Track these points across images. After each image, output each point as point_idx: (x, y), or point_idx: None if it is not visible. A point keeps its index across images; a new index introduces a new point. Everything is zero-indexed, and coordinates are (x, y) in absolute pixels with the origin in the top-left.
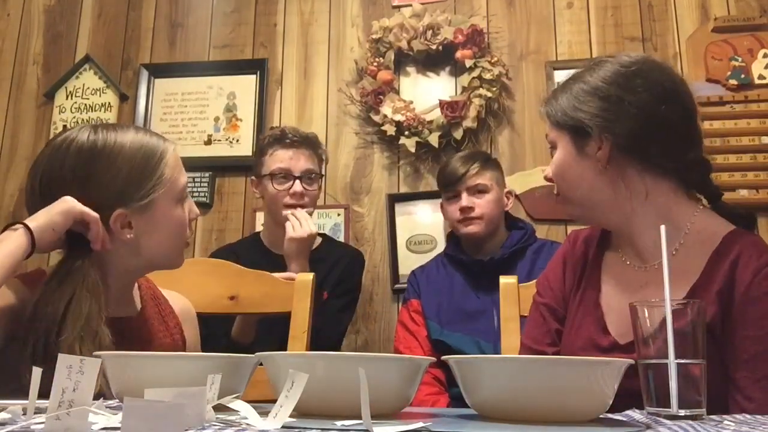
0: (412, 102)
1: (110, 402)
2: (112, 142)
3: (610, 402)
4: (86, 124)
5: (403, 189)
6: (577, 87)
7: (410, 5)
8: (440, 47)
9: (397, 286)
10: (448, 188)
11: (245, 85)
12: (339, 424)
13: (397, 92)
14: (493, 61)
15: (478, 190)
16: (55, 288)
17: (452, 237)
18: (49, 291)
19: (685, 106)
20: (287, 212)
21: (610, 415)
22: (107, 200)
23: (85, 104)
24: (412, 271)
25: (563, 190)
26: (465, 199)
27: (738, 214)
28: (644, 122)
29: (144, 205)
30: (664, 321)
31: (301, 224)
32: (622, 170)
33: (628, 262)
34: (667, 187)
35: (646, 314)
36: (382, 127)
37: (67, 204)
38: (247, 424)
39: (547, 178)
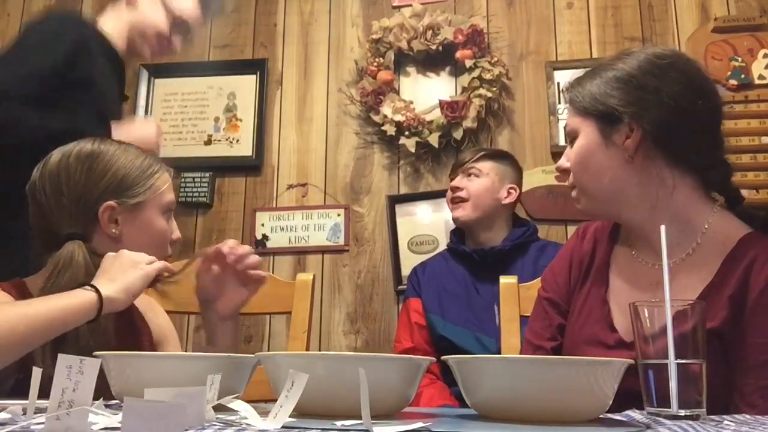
0: (412, 102)
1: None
2: (115, 149)
3: (610, 402)
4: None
5: (404, 189)
6: (609, 74)
7: (410, 5)
8: (440, 47)
9: (400, 287)
10: (450, 174)
11: (245, 85)
12: (339, 424)
13: (397, 92)
14: (493, 61)
15: (471, 173)
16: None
17: (455, 231)
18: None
19: (716, 104)
20: None
21: (610, 415)
22: (102, 192)
23: None
24: (413, 268)
25: (582, 181)
26: (456, 180)
27: (755, 216)
28: (678, 114)
29: (132, 205)
30: (664, 321)
31: None
32: (650, 161)
33: (639, 259)
34: (690, 185)
35: (647, 314)
36: (382, 127)
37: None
38: (247, 424)
39: (561, 169)
